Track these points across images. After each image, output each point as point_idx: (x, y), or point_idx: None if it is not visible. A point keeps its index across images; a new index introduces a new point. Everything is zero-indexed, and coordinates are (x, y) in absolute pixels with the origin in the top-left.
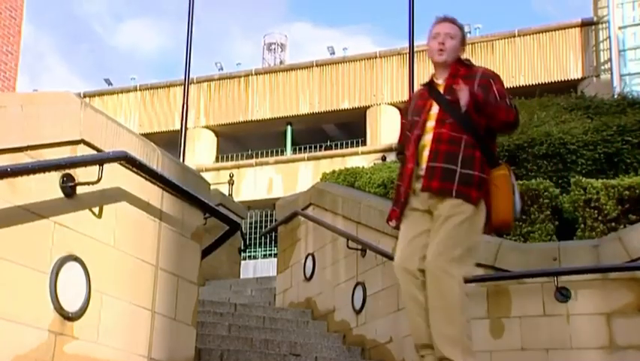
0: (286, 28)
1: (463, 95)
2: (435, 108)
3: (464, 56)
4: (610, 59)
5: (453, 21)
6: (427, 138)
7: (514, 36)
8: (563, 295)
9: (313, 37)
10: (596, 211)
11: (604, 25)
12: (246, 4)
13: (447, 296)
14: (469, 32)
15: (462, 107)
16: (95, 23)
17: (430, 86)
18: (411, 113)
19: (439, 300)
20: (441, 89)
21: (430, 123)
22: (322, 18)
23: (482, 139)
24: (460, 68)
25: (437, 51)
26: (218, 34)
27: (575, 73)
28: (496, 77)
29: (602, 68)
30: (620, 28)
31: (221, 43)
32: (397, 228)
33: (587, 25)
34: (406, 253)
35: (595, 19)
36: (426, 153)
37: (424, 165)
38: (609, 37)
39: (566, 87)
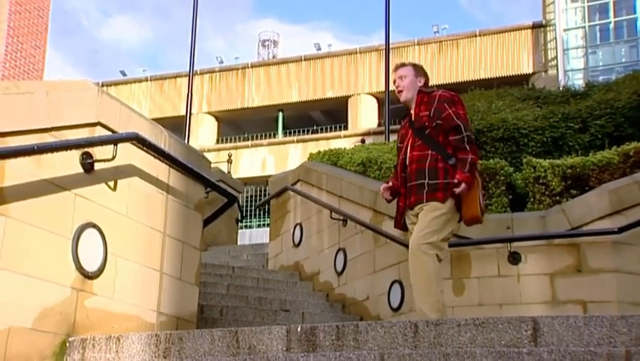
0: (254, 25)
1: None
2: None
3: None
4: (556, 57)
5: (402, 64)
6: (407, 162)
7: (476, 35)
8: (515, 258)
9: (281, 33)
10: (543, 187)
11: (551, 27)
12: (213, 2)
13: (425, 270)
14: (437, 32)
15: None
16: (83, 18)
17: (410, 117)
18: (399, 140)
19: (419, 273)
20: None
21: (409, 148)
22: (287, 15)
23: (446, 154)
24: (423, 97)
25: (398, 93)
26: (189, 30)
27: (527, 68)
28: (450, 101)
29: (550, 64)
30: (564, 30)
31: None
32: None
33: (537, 27)
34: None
35: (544, 22)
36: (408, 173)
37: (407, 185)
38: (555, 38)
39: (520, 80)
